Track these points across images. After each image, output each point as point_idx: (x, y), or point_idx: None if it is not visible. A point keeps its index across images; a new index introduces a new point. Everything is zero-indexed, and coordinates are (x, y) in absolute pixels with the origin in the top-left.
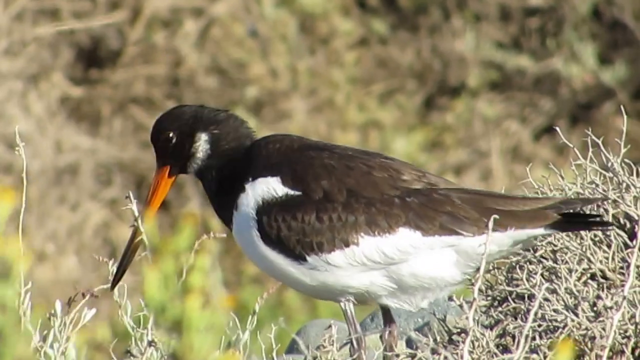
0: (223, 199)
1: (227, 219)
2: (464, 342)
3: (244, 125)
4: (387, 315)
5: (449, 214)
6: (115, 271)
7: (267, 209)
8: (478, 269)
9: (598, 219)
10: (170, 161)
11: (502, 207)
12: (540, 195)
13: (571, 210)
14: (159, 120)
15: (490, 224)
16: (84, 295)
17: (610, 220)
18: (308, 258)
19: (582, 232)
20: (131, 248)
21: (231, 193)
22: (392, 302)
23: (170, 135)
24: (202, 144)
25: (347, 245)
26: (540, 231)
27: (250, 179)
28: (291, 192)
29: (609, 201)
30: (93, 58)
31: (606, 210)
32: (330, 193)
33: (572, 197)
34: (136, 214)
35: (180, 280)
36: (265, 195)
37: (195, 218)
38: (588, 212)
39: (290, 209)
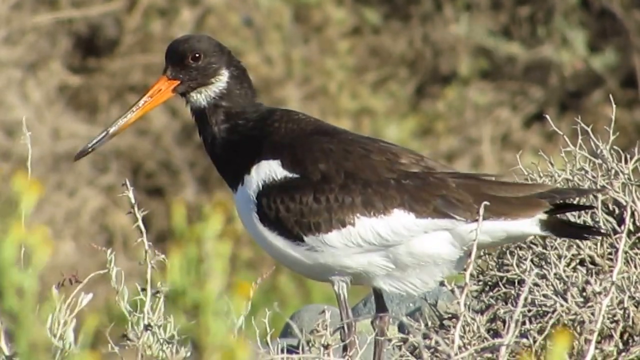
0: (230, 165)
1: (231, 184)
2: (455, 327)
3: (250, 79)
4: (380, 301)
5: (443, 198)
6: (85, 147)
7: (267, 192)
8: (469, 254)
9: (591, 227)
10: (185, 78)
11: (497, 193)
12: (536, 182)
13: (564, 201)
14: (189, 38)
15: (482, 211)
16: (71, 282)
17: (600, 206)
18: (306, 239)
19: (572, 217)
20: (113, 132)
21: (239, 163)
22: (388, 284)
23: (198, 55)
24: (221, 79)
25: (344, 226)
26: (535, 230)
27: (257, 160)
28: (290, 174)
29: (602, 191)
30: (91, 47)
31: (595, 197)
32: (328, 175)
33: (568, 187)
34: (133, 200)
35: (202, 265)
36: (266, 179)
37: (224, 206)
38: (581, 202)
39: (289, 191)
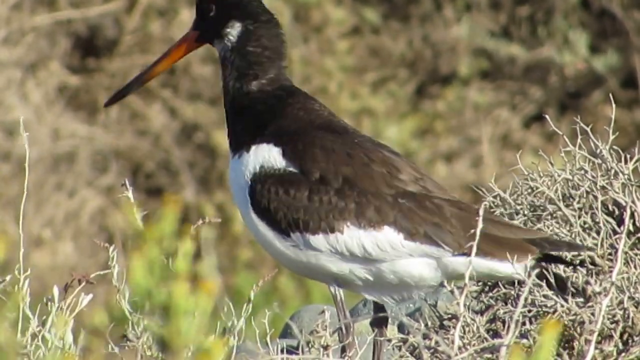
0: (233, 127)
1: (230, 146)
2: (455, 327)
3: (280, 40)
4: (378, 302)
5: (435, 225)
6: (120, 90)
7: (262, 179)
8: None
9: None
10: (203, 29)
11: (488, 231)
12: (533, 228)
13: (553, 253)
14: None
15: (474, 252)
16: (79, 282)
17: (600, 207)
18: (292, 235)
19: (572, 218)
20: (143, 78)
21: (242, 132)
22: (367, 292)
23: (210, 6)
24: (232, 32)
25: (332, 232)
26: (520, 273)
27: (258, 140)
28: (289, 167)
29: (593, 250)
30: (90, 47)
31: (583, 252)
32: (325, 177)
33: (560, 239)
34: (132, 200)
35: (166, 265)
36: (264, 164)
37: (177, 202)
38: (568, 258)
39: (284, 183)
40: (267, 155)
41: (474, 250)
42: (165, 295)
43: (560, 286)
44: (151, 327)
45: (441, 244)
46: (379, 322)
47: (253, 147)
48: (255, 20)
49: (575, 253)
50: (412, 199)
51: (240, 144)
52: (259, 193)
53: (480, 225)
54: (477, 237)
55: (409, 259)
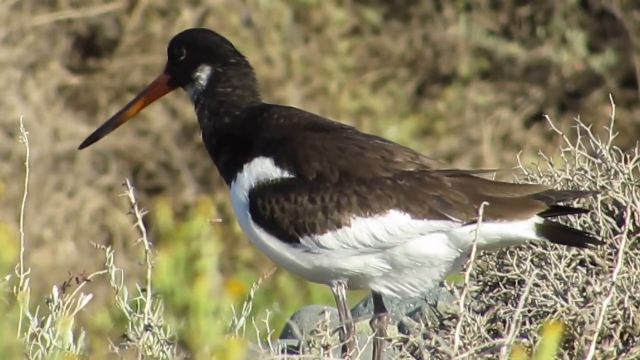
0: (222, 161)
1: (225, 179)
2: (455, 327)
3: (251, 78)
4: (379, 302)
5: (439, 199)
6: (93, 133)
7: (261, 192)
8: (469, 255)
9: (588, 234)
10: (174, 73)
11: (492, 194)
12: (531, 183)
13: (561, 203)
14: (181, 34)
15: (481, 211)
16: (77, 281)
17: (599, 207)
18: (301, 240)
19: (571, 219)
20: (115, 121)
21: (231, 159)
22: (385, 287)
23: (181, 50)
24: (202, 75)
25: (339, 227)
26: (530, 234)
27: (249, 158)
28: (284, 173)
29: (599, 193)
30: (91, 47)
31: (595, 198)
32: (322, 174)
33: (565, 190)
34: (133, 200)
35: (190, 265)
36: (260, 177)
37: (208, 205)
38: (579, 204)
39: (283, 191)
40: (260, 169)
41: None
42: (188, 294)
43: (582, 239)
44: (172, 326)
45: (449, 217)
46: (379, 321)
47: (245, 166)
48: (224, 63)
49: (584, 198)
50: (411, 178)
51: (232, 170)
52: (260, 207)
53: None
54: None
55: (420, 238)
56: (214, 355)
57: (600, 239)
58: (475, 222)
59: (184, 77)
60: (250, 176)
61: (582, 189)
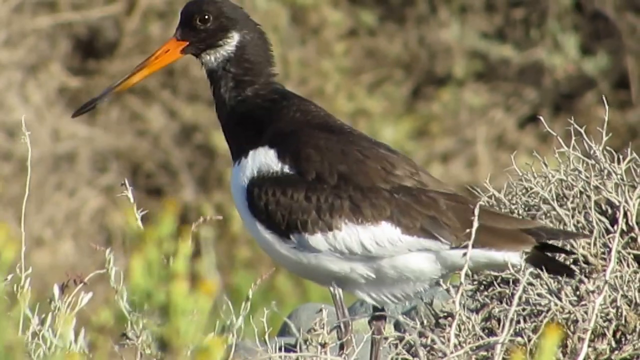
0: (233, 136)
1: (232, 154)
2: (450, 326)
3: (270, 49)
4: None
5: (432, 218)
6: (91, 100)
7: (259, 182)
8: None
9: (569, 258)
10: (193, 40)
11: (485, 222)
12: (527, 218)
13: (549, 242)
14: (200, 1)
15: (472, 238)
16: (75, 283)
17: (593, 206)
18: (292, 236)
19: (565, 218)
20: (114, 90)
21: (241, 138)
22: (368, 294)
23: (207, 17)
24: (230, 42)
25: (330, 230)
26: (516, 261)
27: (256, 144)
28: (285, 168)
29: (589, 237)
30: (90, 49)
31: (588, 242)
32: (321, 175)
33: (556, 228)
34: (132, 200)
35: (165, 266)
36: (262, 168)
37: (175, 205)
38: (564, 246)
39: (281, 185)
40: (263, 159)
41: (472, 240)
42: (165, 295)
43: (565, 272)
44: (151, 327)
45: (439, 238)
46: (377, 320)
47: (251, 152)
48: (251, 30)
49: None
50: (407, 193)
51: (240, 151)
52: (257, 196)
53: (476, 219)
54: (474, 230)
55: (408, 254)
56: (195, 355)
57: (577, 274)
58: (465, 247)
59: (207, 43)
60: (253, 164)
61: (570, 230)
